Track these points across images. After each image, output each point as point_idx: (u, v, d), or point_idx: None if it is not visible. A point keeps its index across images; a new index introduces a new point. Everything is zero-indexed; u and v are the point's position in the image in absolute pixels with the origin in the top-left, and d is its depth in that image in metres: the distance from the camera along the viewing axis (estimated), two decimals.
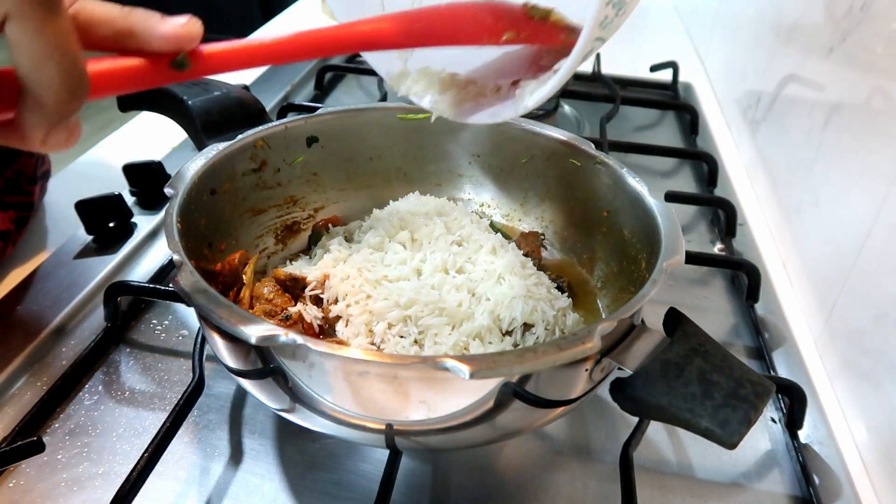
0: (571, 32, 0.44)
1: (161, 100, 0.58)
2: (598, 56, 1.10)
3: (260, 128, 0.55)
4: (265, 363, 0.38)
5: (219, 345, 0.40)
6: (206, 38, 0.35)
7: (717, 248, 0.74)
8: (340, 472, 0.47)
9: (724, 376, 0.36)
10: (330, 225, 0.60)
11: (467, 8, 0.43)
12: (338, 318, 0.49)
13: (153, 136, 0.86)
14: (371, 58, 0.51)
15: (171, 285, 0.46)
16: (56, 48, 0.28)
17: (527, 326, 0.50)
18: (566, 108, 0.99)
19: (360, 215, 0.60)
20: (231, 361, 0.41)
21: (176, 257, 0.40)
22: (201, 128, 0.54)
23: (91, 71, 0.31)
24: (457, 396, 0.37)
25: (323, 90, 1.03)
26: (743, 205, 0.81)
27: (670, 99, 1.06)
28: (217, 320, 0.35)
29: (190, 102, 0.55)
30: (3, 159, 0.64)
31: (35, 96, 0.29)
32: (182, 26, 0.33)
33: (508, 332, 0.49)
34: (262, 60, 0.38)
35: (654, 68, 1.10)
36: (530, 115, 0.61)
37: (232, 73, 0.37)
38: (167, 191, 0.46)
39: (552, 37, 0.45)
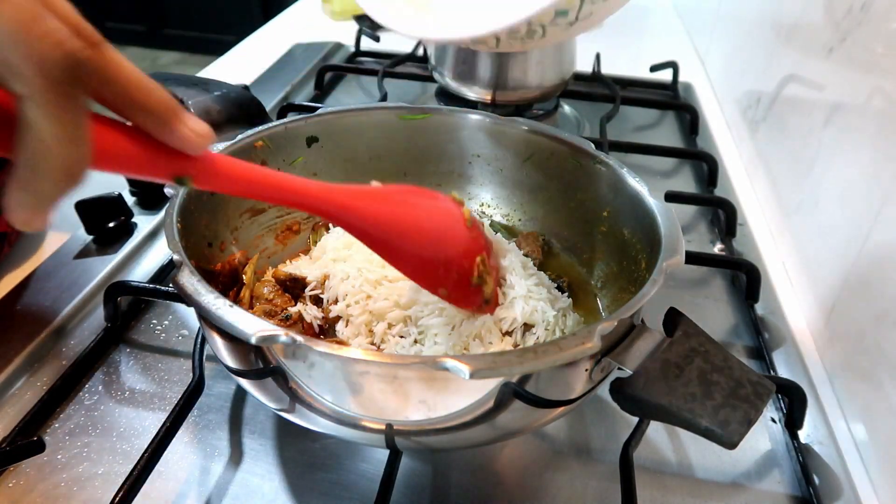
0: (486, 303, 0.47)
1: None
2: (597, 56, 1.10)
3: (260, 128, 0.55)
4: (265, 363, 0.38)
5: (219, 345, 0.40)
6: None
7: (717, 248, 0.74)
8: (340, 472, 0.47)
9: (724, 376, 0.36)
10: (330, 225, 0.60)
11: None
12: (338, 318, 0.50)
13: None
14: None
15: (171, 285, 0.46)
16: (68, 138, 0.26)
17: (527, 326, 0.50)
18: (566, 108, 0.99)
19: None
20: (231, 361, 0.41)
21: (176, 257, 0.40)
22: None
23: (95, 148, 0.28)
24: (457, 396, 0.37)
25: (323, 90, 1.03)
26: (743, 205, 0.81)
27: (670, 99, 1.06)
28: (217, 320, 0.35)
29: (190, 102, 0.55)
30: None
31: (32, 178, 0.26)
32: (197, 135, 0.31)
33: (508, 332, 0.49)
34: (270, 195, 0.38)
35: (654, 68, 1.10)
36: (530, 116, 0.61)
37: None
38: (167, 191, 0.46)
39: (470, 302, 0.47)
